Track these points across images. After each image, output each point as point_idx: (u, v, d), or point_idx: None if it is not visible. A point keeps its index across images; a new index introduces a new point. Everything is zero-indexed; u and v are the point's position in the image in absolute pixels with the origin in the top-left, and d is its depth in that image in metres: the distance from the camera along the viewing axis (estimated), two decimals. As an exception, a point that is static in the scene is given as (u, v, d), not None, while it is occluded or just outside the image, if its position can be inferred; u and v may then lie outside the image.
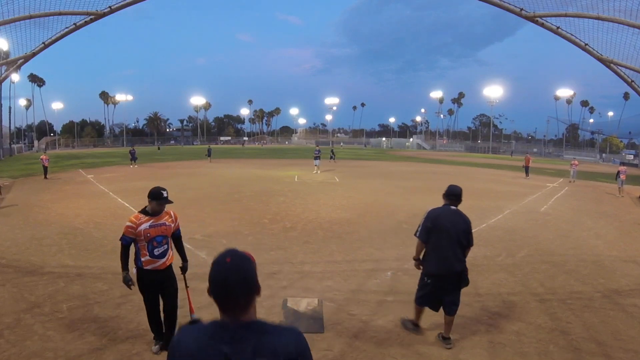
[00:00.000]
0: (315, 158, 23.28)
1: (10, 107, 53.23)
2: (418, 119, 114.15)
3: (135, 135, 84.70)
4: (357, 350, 4.06)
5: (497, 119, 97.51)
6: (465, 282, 4.08)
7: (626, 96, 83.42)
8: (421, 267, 4.24)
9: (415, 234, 4.20)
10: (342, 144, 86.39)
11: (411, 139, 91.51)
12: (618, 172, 18.05)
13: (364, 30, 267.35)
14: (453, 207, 4.09)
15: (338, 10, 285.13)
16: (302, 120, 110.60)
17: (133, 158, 26.52)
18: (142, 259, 3.74)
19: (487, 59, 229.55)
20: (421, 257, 4.21)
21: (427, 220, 4.08)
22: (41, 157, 19.94)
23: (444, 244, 3.97)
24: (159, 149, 58.11)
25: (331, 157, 31.74)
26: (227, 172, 22.70)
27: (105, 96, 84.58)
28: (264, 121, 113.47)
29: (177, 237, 4.02)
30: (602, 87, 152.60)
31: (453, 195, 4.12)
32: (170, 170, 24.48)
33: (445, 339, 4.16)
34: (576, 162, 23.00)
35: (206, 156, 32.31)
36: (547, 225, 10.46)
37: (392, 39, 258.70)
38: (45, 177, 18.97)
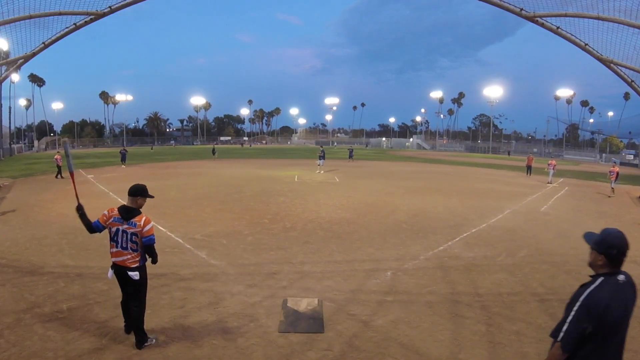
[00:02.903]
0: (320, 158, 23.88)
1: (10, 107, 53.28)
2: (418, 119, 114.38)
3: (135, 135, 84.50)
4: (357, 350, 4.06)
5: (497, 119, 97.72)
6: None
7: (626, 96, 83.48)
8: None
9: (553, 336, 2.18)
10: (336, 143, 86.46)
11: (411, 139, 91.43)
12: (616, 173, 17.69)
13: (364, 30, 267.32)
14: (621, 277, 2.14)
15: (338, 10, 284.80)
16: (302, 120, 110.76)
17: (123, 158, 26.70)
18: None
19: (487, 59, 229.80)
20: None
21: (585, 315, 2.06)
22: (55, 157, 19.81)
23: (612, 349, 2.13)
24: (151, 149, 58.30)
25: (350, 157, 34.09)
26: (227, 172, 22.71)
27: (105, 96, 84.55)
28: (264, 121, 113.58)
29: None
30: (602, 87, 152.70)
31: (619, 251, 2.13)
32: (170, 170, 24.48)
33: None
34: (554, 162, 21.60)
35: (212, 154, 35.83)
36: (547, 225, 10.45)
37: (392, 39, 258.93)
38: (58, 176, 18.95)
